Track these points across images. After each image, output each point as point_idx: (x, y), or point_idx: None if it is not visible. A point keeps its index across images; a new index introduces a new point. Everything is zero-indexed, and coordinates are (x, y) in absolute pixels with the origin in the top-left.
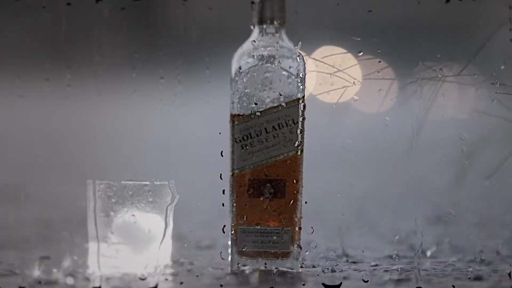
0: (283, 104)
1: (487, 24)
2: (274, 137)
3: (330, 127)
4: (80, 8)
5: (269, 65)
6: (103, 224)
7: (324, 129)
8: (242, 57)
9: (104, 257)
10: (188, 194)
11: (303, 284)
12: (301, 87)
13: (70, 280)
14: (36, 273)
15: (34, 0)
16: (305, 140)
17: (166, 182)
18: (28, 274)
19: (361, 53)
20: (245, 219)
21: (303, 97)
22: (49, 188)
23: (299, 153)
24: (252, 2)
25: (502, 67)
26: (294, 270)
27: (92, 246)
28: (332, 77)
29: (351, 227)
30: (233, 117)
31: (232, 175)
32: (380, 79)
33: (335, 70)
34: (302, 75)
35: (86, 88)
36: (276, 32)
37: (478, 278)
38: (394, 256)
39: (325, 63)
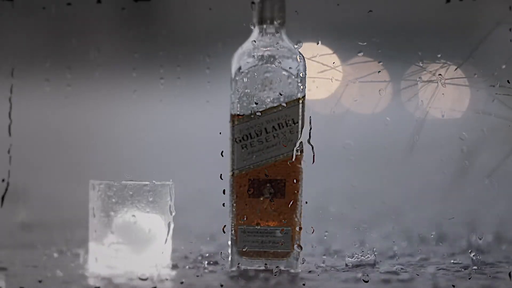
0: (283, 104)
1: (487, 24)
2: (274, 137)
3: (330, 127)
4: (80, 8)
5: (269, 65)
6: (103, 224)
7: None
8: (242, 57)
9: (104, 257)
10: (188, 194)
11: (303, 284)
12: (301, 87)
13: (69, 280)
14: (36, 273)
15: (34, 0)
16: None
17: (167, 182)
18: (28, 274)
19: (361, 53)
20: (245, 219)
21: (303, 97)
22: (49, 188)
23: (299, 153)
24: (252, 2)
25: (503, 67)
26: (294, 270)
27: (92, 246)
28: (333, 81)
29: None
30: (233, 117)
31: (232, 175)
32: (377, 81)
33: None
34: (302, 75)
35: (86, 88)
36: (276, 32)
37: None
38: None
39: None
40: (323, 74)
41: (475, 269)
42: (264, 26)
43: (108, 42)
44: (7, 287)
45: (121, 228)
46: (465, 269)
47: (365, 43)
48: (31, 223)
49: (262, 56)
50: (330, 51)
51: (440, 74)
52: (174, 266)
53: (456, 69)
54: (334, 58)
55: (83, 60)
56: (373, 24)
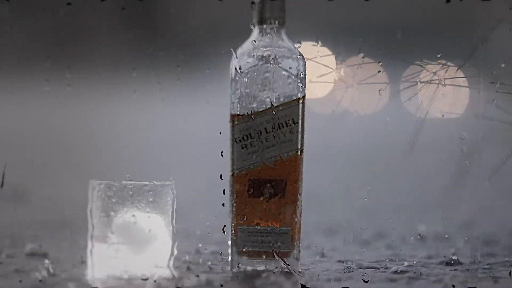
0: (283, 104)
1: (487, 24)
2: (274, 137)
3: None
4: (80, 8)
5: (269, 65)
6: (103, 224)
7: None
8: (242, 57)
9: (104, 257)
10: (188, 194)
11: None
12: (301, 87)
13: (69, 280)
14: (36, 273)
15: (34, 0)
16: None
17: (167, 182)
18: (28, 273)
19: (361, 54)
20: (245, 219)
21: (303, 97)
22: (49, 188)
23: (299, 153)
24: (252, 2)
25: (503, 65)
26: (294, 270)
27: (92, 246)
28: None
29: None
30: (233, 117)
31: (232, 175)
32: (378, 82)
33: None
34: (302, 75)
35: (86, 88)
36: (276, 32)
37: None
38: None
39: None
40: (323, 78)
41: (475, 268)
42: (264, 26)
43: (108, 42)
44: (7, 287)
45: (121, 228)
46: (465, 269)
47: (365, 43)
48: (31, 223)
49: (262, 56)
50: (329, 52)
51: (442, 81)
52: (174, 266)
53: (457, 69)
54: (334, 59)
55: (83, 60)
56: (373, 24)
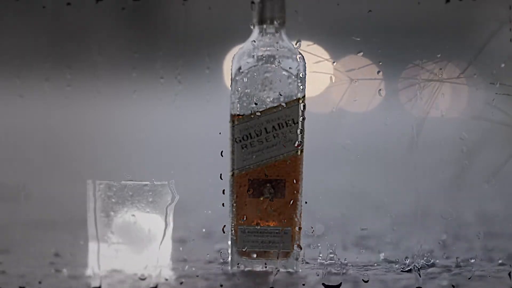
0: (283, 104)
1: (487, 24)
2: (274, 137)
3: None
4: (80, 8)
5: (269, 65)
6: (103, 224)
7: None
8: (242, 57)
9: (104, 257)
10: (187, 194)
11: (303, 284)
12: (301, 87)
13: (70, 280)
14: (36, 273)
15: (34, 0)
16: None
17: (166, 182)
18: (28, 274)
19: (361, 53)
20: (245, 219)
21: (303, 97)
22: (49, 188)
23: (299, 153)
24: (252, 2)
25: (503, 65)
26: (294, 270)
27: (92, 246)
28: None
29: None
30: (233, 117)
31: (232, 175)
32: (377, 78)
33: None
34: (302, 75)
35: (86, 88)
36: (276, 32)
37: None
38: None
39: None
40: (319, 67)
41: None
42: (264, 26)
43: (108, 42)
44: (7, 287)
45: (121, 228)
46: (468, 269)
47: (363, 42)
48: (31, 223)
49: (262, 56)
50: (328, 55)
51: (442, 81)
52: (174, 266)
53: (459, 75)
54: (333, 60)
55: (83, 60)
56: (373, 24)
